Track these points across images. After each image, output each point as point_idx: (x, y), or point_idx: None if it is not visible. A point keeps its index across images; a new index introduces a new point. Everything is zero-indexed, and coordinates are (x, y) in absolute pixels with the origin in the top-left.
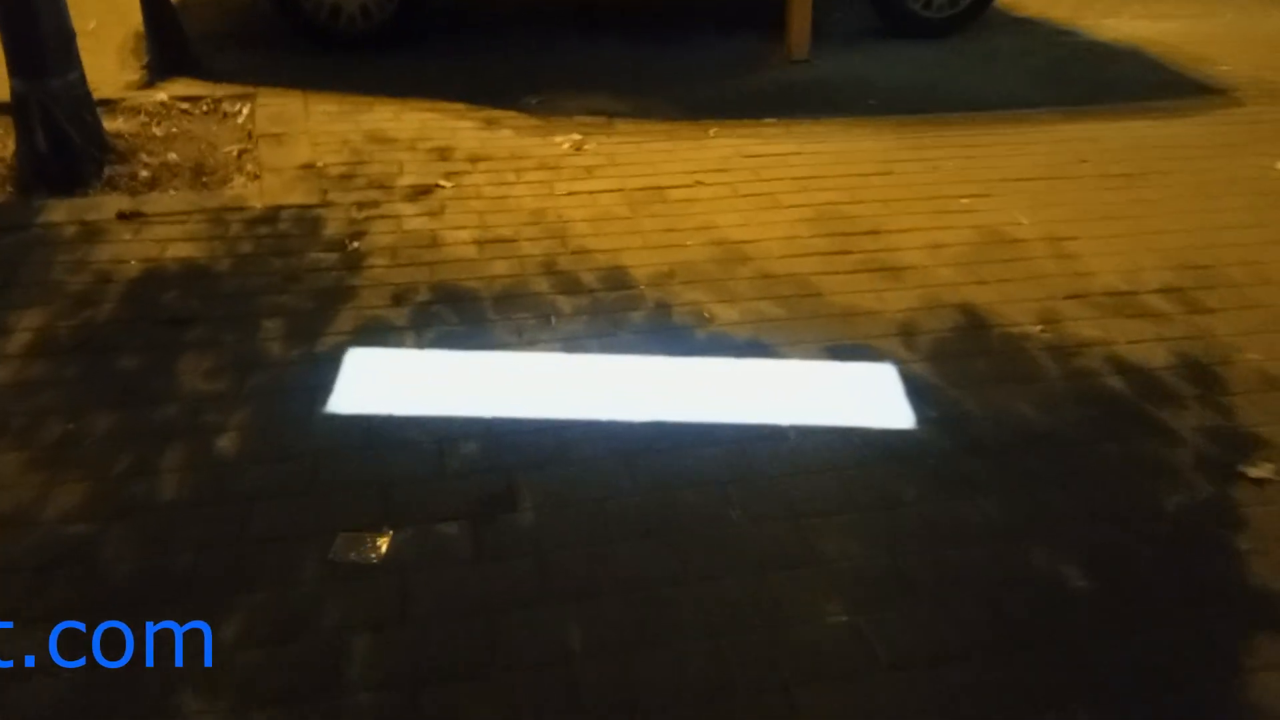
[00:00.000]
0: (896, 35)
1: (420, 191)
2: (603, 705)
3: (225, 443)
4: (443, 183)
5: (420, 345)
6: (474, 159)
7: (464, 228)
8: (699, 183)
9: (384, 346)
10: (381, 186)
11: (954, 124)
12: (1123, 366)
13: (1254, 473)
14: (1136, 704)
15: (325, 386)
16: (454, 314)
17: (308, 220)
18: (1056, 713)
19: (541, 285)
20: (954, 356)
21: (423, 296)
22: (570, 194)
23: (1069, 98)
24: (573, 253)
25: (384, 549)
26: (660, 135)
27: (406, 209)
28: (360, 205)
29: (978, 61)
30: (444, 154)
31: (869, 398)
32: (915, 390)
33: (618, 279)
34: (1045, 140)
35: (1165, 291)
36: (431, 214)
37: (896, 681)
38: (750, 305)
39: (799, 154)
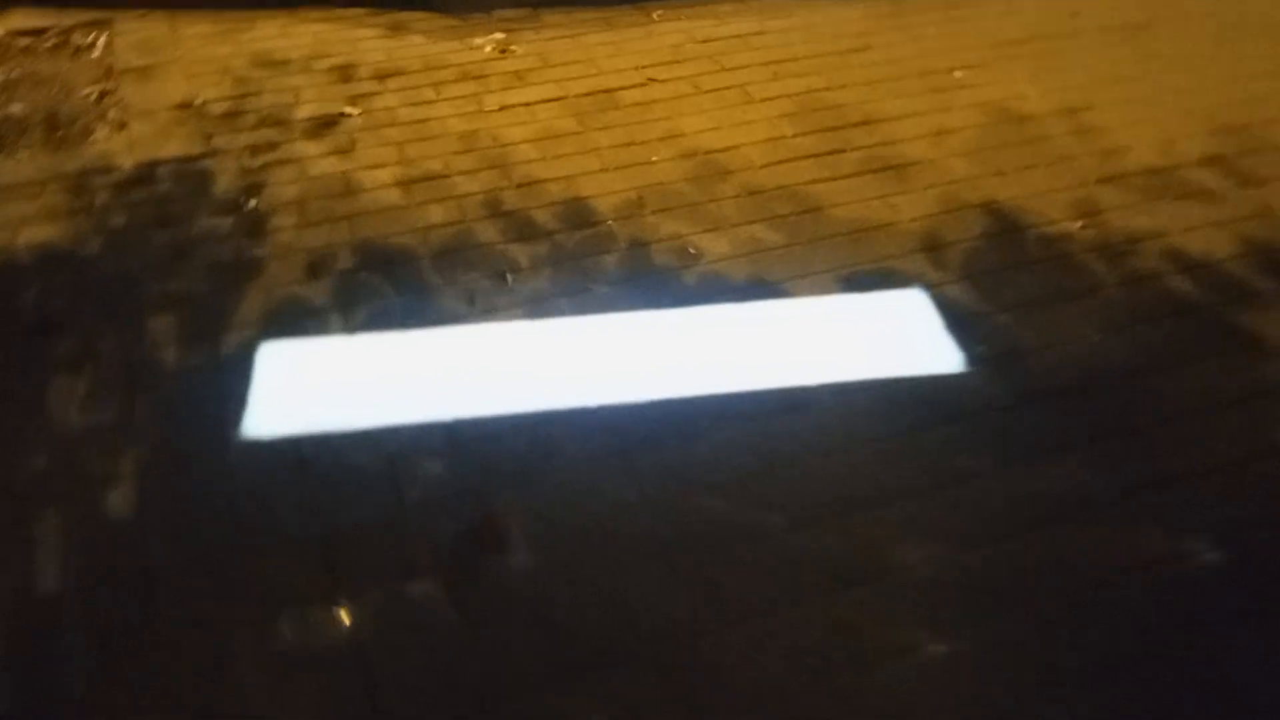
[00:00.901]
0: None
1: (324, 124)
2: None
3: (115, 502)
4: (349, 110)
5: (350, 329)
6: (382, 75)
7: (383, 165)
8: (651, 80)
9: (305, 335)
10: (277, 123)
11: None
12: (1184, 262)
13: None
14: None
15: (237, 402)
16: (387, 282)
17: (192, 176)
18: None
19: (488, 232)
20: (991, 272)
21: (345, 263)
22: (503, 108)
23: None
24: (519, 185)
25: (341, 627)
26: (596, 25)
27: (310, 148)
28: (254, 150)
29: None
30: (346, 73)
31: (903, 338)
32: (956, 321)
33: (579, 215)
34: None
35: (1208, 163)
36: (341, 152)
37: None
38: (741, 232)
39: (762, 33)
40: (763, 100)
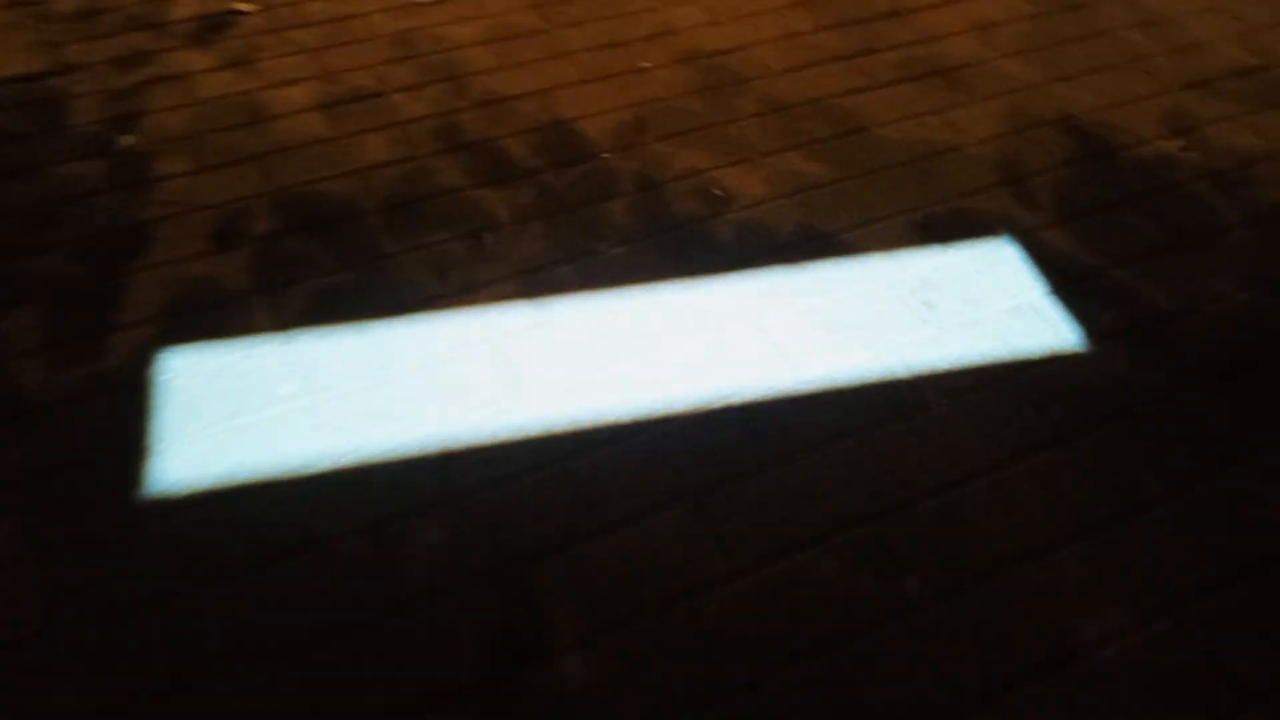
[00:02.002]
0: None
1: (210, 26)
2: None
3: None
4: (242, 5)
5: (284, 322)
6: None
7: (296, 81)
8: None
9: (223, 335)
10: (148, 25)
11: None
12: None
13: None
14: None
15: (135, 443)
16: (325, 250)
17: (40, 106)
18: None
19: (449, 173)
20: (1092, 211)
21: (264, 224)
22: (440, 1)
23: None
24: (479, 105)
25: None
26: None
27: (196, 60)
28: (120, 65)
29: None
30: None
31: (1007, 306)
32: (1067, 280)
33: (564, 144)
34: None
35: None
36: (238, 64)
37: None
38: (776, 164)
39: None
40: (753, 11)
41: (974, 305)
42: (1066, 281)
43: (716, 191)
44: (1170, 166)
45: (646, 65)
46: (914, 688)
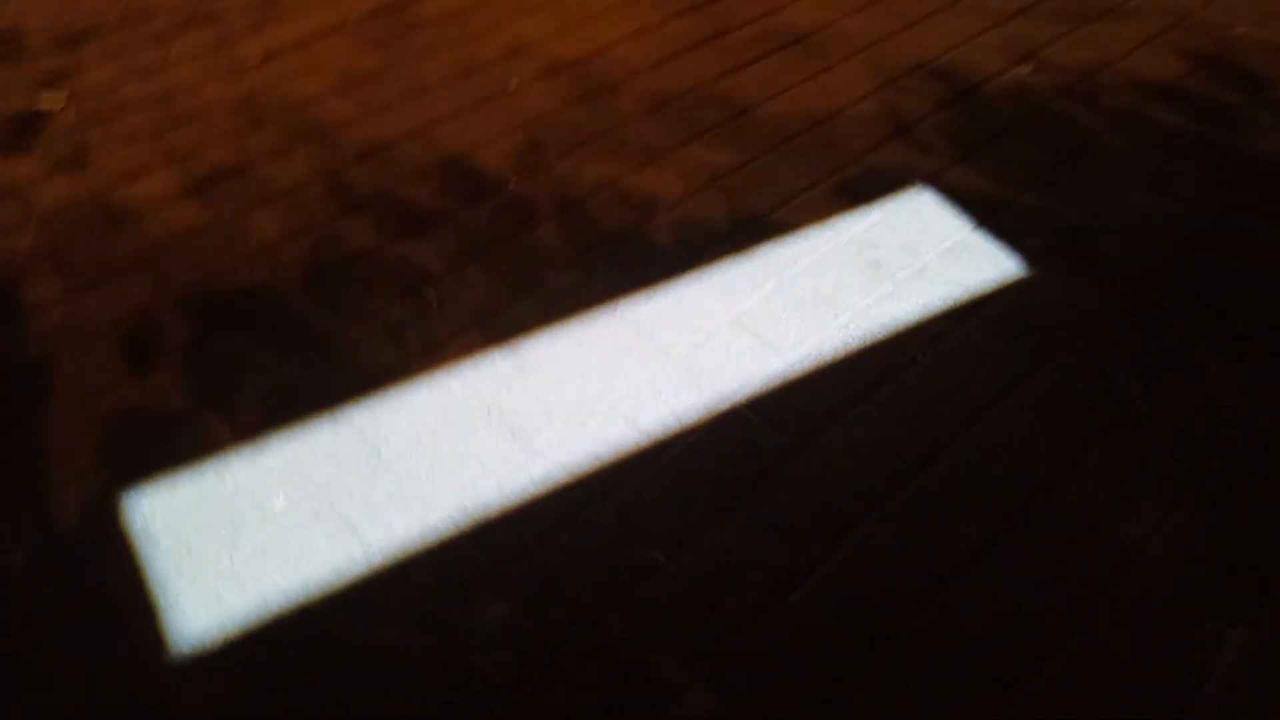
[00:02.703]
0: None
1: (20, 129)
2: None
3: None
4: (49, 100)
5: (242, 430)
6: (69, 39)
7: (147, 171)
8: None
9: (180, 461)
10: None
11: None
12: (1150, 89)
13: None
14: None
15: (137, 614)
16: (259, 347)
17: None
18: None
19: (359, 235)
20: (980, 145)
21: (179, 333)
22: (270, 56)
23: None
24: (361, 158)
25: None
26: None
27: (20, 169)
28: None
29: None
30: (13, 44)
31: (945, 247)
32: (985, 213)
33: (466, 181)
34: None
35: None
36: (73, 164)
37: None
38: (683, 158)
39: None
40: (581, 21)
41: (915, 255)
42: (985, 215)
43: (637, 196)
44: (1028, 90)
45: (514, 86)
46: (1001, 627)
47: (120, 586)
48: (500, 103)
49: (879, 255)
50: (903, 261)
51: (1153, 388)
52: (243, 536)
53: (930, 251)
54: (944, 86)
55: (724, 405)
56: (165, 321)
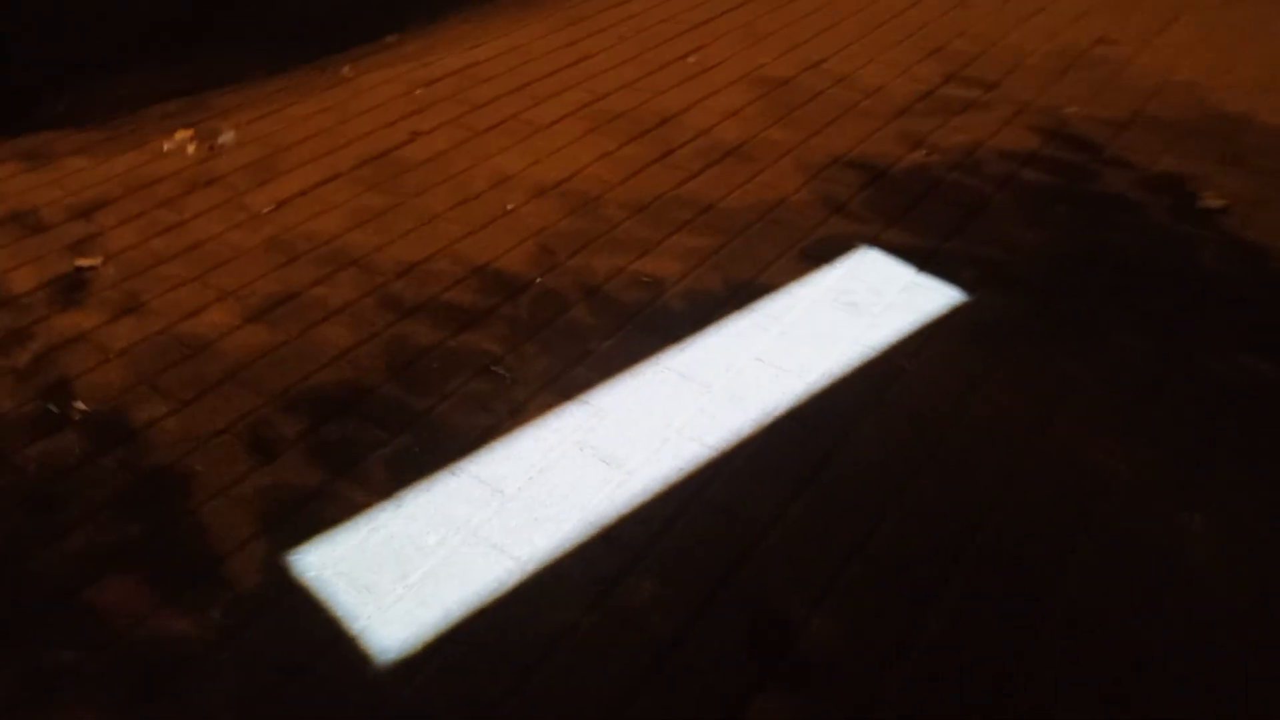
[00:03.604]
0: None
1: (67, 287)
2: None
3: None
4: (84, 261)
5: (381, 490)
6: (84, 212)
7: (205, 306)
8: (416, 134)
9: (334, 528)
10: None
11: None
12: (1012, 158)
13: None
14: None
15: (337, 645)
16: (368, 428)
17: None
18: None
19: (422, 333)
20: (903, 212)
21: (293, 427)
22: (280, 204)
23: None
24: (399, 275)
25: None
26: (290, 95)
27: (83, 320)
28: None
29: None
30: (30, 223)
31: (902, 285)
32: (922, 260)
33: (499, 282)
34: None
35: (949, 80)
36: (133, 309)
37: None
38: (672, 246)
39: (476, 65)
40: (551, 125)
41: (881, 295)
42: (923, 261)
43: (645, 278)
44: (926, 168)
45: (511, 207)
46: (1015, 519)
47: (315, 621)
48: (503, 221)
49: (853, 298)
50: (873, 300)
51: (1084, 356)
52: (410, 568)
53: (891, 291)
54: (860, 173)
55: (767, 419)
56: (275, 419)
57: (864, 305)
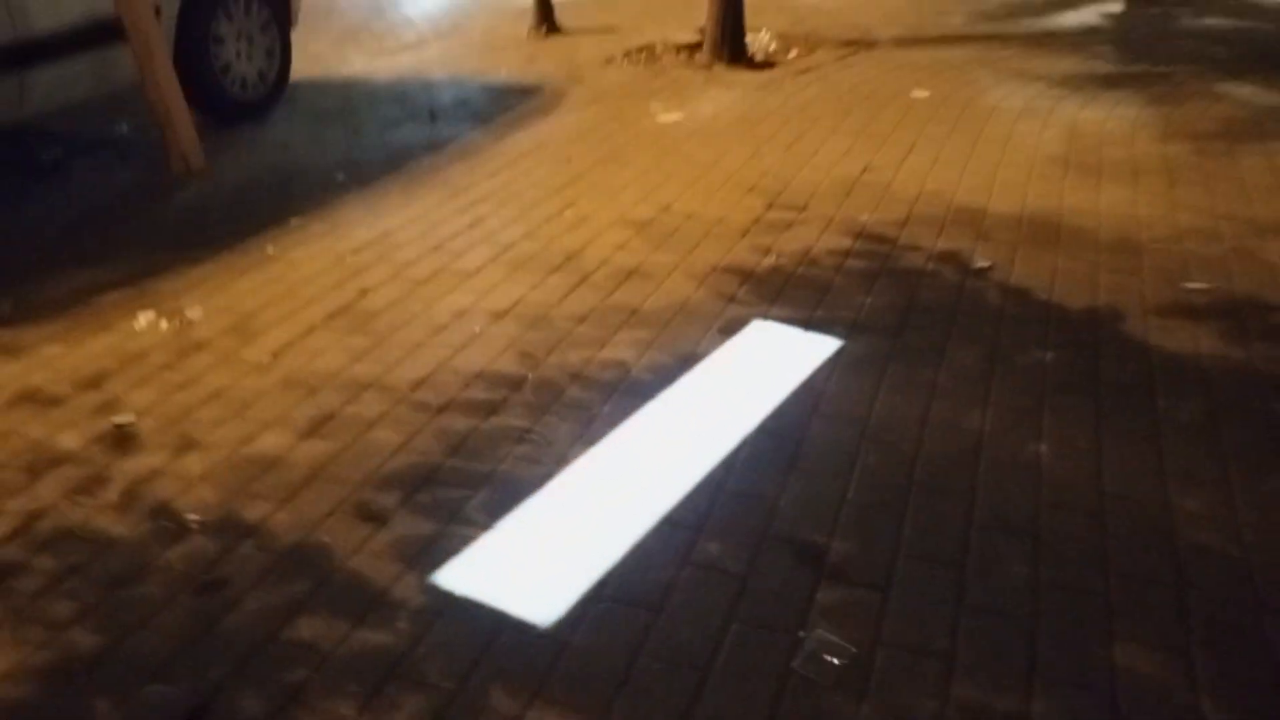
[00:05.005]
0: (223, 122)
1: (114, 442)
2: None
3: None
4: (119, 419)
5: (483, 519)
6: (92, 380)
7: (259, 435)
8: (365, 290)
9: (462, 555)
10: (50, 462)
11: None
12: (841, 251)
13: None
14: None
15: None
16: (454, 485)
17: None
18: None
19: (460, 422)
20: (773, 295)
21: (384, 500)
22: (278, 354)
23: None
24: (413, 387)
25: None
26: (227, 274)
27: (140, 464)
28: (73, 495)
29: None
30: (41, 396)
31: (803, 339)
32: (805, 324)
33: (498, 380)
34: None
35: (756, 227)
36: (182, 449)
37: None
38: (618, 341)
39: (391, 233)
40: (478, 271)
41: (791, 343)
42: (805, 324)
43: (613, 364)
44: (779, 268)
45: (479, 330)
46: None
47: (481, 614)
48: (478, 341)
49: (772, 348)
50: (787, 348)
51: (934, 367)
52: (533, 568)
53: (796, 342)
54: (735, 275)
55: (741, 432)
56: (372, 499)
57: (783, 352)
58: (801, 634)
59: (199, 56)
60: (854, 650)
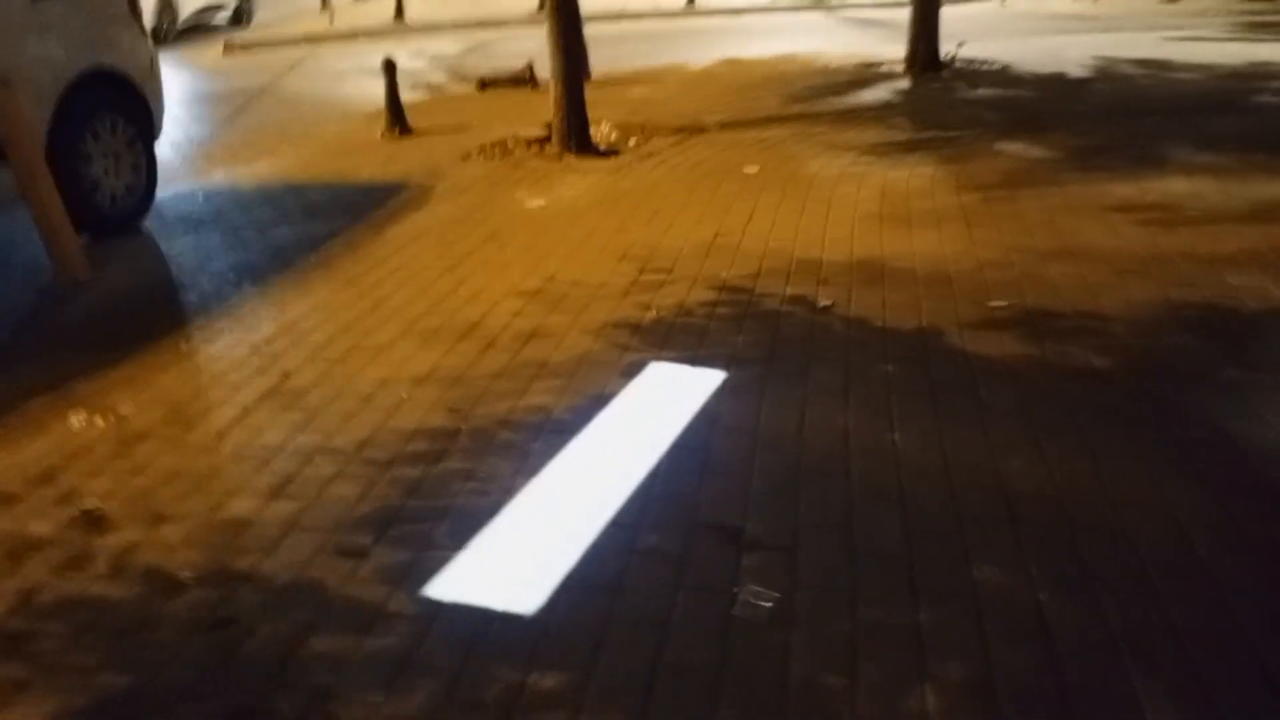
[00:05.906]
0: (97, 236)
1: (92, 523)
2: None
3: None
4: (92, 504)
5: (461, 549)
6: (43, 479)
7: (237, 492)
8: (286, 372)
9: (444, 570)
10: (22, 555)
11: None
12: (719, 295)
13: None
14: None
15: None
16: (421, 535)
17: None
18: None
19: (404, 474)
20: (661, 341)
21: (365, 539)
22: (218, 436)
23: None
24: (361, 449)
25: None
26: (143, 370)
27: (128, 535)
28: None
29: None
30: (12, 499)
31: (695, 372)
32: (693, 361)
33: (438, 434)
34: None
35: (631, 289)
36: (156, 520)
37: None
38: (534, 390)
39: (294, 321)
40: (391, 345)
41: (690, 376)
42: (692, 361)
43: (538, 414)
44: (662, 320)
45: (405, 395)
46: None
47: (472, 613)
48: (406, 405)
49: (669, 383)
50: (682, 382)
51: (804, 384)
52: (510, 570)
53: (688, 376)
54: (624, 329)
55: (658, 453)
56: (347, 540)
57: (683, 382)
58: (735, 590)
59: (69, 174)
60: (779, 595)
